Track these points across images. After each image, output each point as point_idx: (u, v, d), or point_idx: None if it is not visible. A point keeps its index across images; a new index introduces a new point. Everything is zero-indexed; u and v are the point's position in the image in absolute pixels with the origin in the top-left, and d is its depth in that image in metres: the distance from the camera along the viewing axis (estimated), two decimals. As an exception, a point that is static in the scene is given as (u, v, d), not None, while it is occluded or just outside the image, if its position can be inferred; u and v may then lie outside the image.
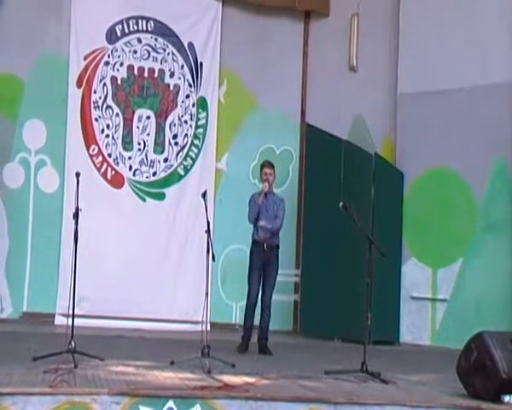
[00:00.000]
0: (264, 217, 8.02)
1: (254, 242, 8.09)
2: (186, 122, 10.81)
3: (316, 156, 10.38)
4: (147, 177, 10.59)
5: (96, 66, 10.52)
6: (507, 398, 5.51)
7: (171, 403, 4.97)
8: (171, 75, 10.78)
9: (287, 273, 10.84)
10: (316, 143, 10.41)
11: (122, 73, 10.62)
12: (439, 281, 9.94)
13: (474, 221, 9.74)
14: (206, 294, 6.68)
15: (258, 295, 7.99)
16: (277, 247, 8.13)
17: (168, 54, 10.77)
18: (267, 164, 8.22)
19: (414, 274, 10.10)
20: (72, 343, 6.25)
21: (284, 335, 10.28)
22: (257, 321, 8.11)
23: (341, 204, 6.79)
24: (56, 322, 9.67)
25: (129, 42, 10.64)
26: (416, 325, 10.04)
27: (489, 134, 9.64)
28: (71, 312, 6.45)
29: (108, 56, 10.56)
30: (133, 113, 10.64)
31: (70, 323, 6.36)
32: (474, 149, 9.69)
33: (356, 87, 10.86)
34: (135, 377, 5.72)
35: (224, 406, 5.04)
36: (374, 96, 10.76)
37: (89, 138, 10.43)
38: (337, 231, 9.65)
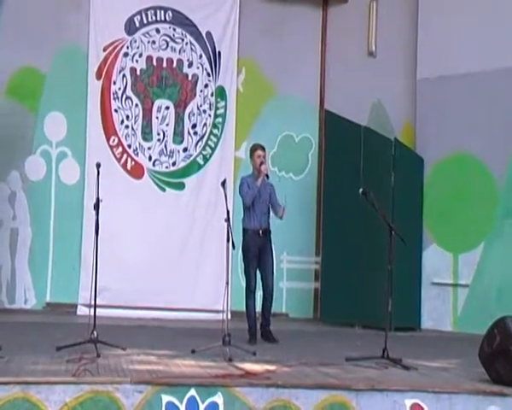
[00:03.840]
0: (258, 201, 7.94)
1: (248, 230, 7.94)
2: (205, 112, 10.82)
3: (335, 143, 10.35)
4: (166, 167, 10.63)
5: (116, 57, 10.56)
6: (529, 383, 5.49)
7: (192, 391, 5.01)
8: (190, 65, 10.80)
9: (307, 261, 10.89)
10: (335, 129, 10.37)
11: (141, 64, 10.65)
12: (461, 266, 9.90)
13: (495, 206, 9.68)
14: (227, 282, 6.70)
15: (256, 281, 7.90)
16: (270, 232, 8.05)
17: (186, 44, 10.78)
18: (259, 147, 8.09)
19: (435, 260, 10.07)
20: (95, 333, 6.31)
21: (304, 322, 10.31)
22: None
23: (361, 191, 6.78)
24: (79, 312, 9.76)
25: (147, 32, 10.66)
26: (438, 311, 10.01)
27: (510, 118, 9.55)
28: (93, 302, 6.51)
29: (127, 47, 10.60)
30: (152, 103, 10.67)
31: (92, 313, 6.42)
32: (495, 134, 9.62)
33: (375, 73, 10.80)
34: (157, 366, 5.77)
35: (246, 393, 5.07)
36: (393, 81, 10.70)
37: (108, 129, 10.48)
38: (357, 218, 9.64)
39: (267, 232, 8.02)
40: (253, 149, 8.14)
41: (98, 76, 10.49)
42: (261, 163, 7.94)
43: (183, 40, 10.77)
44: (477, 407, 5.32)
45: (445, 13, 10.12)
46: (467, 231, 9.82)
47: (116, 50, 10.56)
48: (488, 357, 5.76)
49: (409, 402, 5.23)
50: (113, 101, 10.52)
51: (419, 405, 5.24)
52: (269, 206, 8.09)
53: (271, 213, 8.14)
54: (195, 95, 10.80)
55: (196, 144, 10.74)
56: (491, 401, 5.34)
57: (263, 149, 8.11)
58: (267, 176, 8.00)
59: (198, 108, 10.80)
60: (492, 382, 5.66)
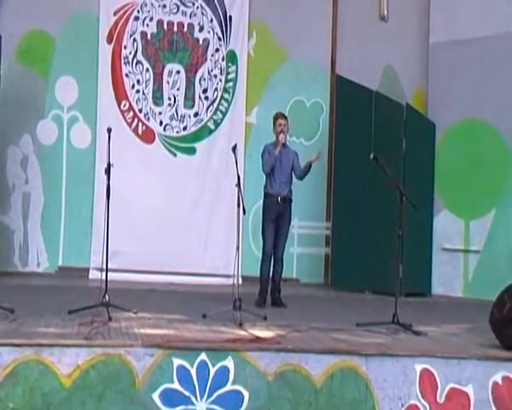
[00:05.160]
0: (279, 169, 7.96)
1: (268, 195, 8.02)
2: (216, 76, 10.77)
3: (346, 108, 10.29)
4: (177, 131, 10.62)
5: (126, 21, 10.51)
6: (539, 348, 5.51)
7: (203, 355, 5.05)
8: (201, 29, 10.73)
9: (317, 226, 10.89)
10: (346, 94, 10.31)
11: (152, 28, 10.59)
12: (472, 232, 9.89)
13: (506, 172, 9.64)
14: (238, 247, 6.72)
15: (272, 246, 7.96)
16: (290, 200, 8.08)
17: (197, 8, 10.70)
18: (281, 115, 8.13)
19: (446, 225, 10.06)
20: (106, 297, 6.35)
21: (315, 287, 10.34)
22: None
23: (372, 156, 6.74)
24: (90, 276, 9.82)
25: (158, -4, 10.61)
26: (448, 277, 10.03)
27: (522, 83, 9.49)
28: (104, 266, 6.55)
29: (138, 11, 10.54)
30: (163, 68, 10.63)
31: (104, 277, 6.46)
32: (508, 99, 9.54)
33: (386, 37, 10.73)
34: (168, 329, 5.80)
35: (256, 358, 5.10)
36: (405, 46, 10.64)
37: (119, 94, 10.47)
38: (368, 183, 9.62)
39: (287, 200, 8.02)
40: (275, 117, 8.16)
41: (109, 40, 10.45)
42: (280, 131, 7.95)
43: (193, 4, 10.69)
44: (486, 372, 5.34)
45: (458, -24, 10.02)
46: (478, 196, 9.80)
47: (127, 14, 10.51)
48: (498, 323, 5.77)
49: (418, 367, 5.26)
50: (123, 65, 10.50)
51: (429, 370, 5.26)
52: (290, 174, 8.08)
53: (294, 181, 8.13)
54: (206, 59, 10.75)
55: (207, 109, 10.71)
56: (501, 367, 5.36)
57: (284, 117, 8.12)
58: (283, 145, 7.99)
59: (209, 73, 10.75)
60: (503, 347, 5.67)
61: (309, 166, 7.95)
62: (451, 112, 10.00)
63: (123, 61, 10.48)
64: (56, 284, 9.13)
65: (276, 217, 7.96)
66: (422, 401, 5.23)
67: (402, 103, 9.99)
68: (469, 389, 5.29)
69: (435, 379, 5.27)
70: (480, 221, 9.81)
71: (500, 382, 5.33)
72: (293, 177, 8.11)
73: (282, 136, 7.93)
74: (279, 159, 7.95)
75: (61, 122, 10.38)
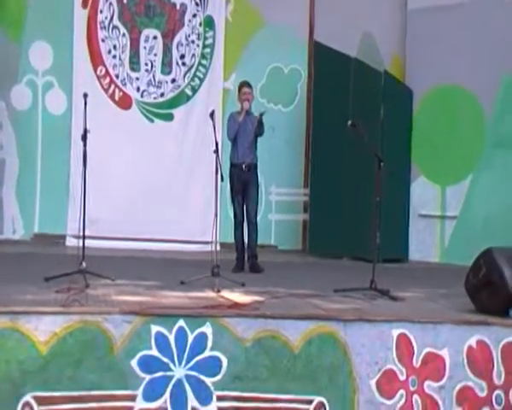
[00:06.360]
0: (242, 136, 8.07)
1: (233, 164, 8.13)
2: (193, 42, 10.68)
3: (324, 75, 10.26)
4: (154, 98, 10.54)
5: (101, -15, 10.36)
6: (514, 312, 5.58)
7: (181, 322, 5.04)
8: (178, -7, 10.61)
9: (295, 193, 10.90)
10: (324, 61, 10.27)
11: (127, -8, 10.46)
12: (448, 198, 9.95)
13: (483, 138, 9.68)
14: (215, 214, 6.72)
15: (243, 214, 8.10)
16: (255, 166, 8.18)
17: (174, -28, 10.58)
18: (245, 84, 8.29)
19: (423, 192, 10.11)
20: (84, 264, 6.32)
21: (293, 254, 10.37)
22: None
23: (350, 122, 6.73)
24: (67, 243, 9.78)
25: (134, -40, 10.45)
26: (425, 243, 10.09)
27: (500, 49, 9.48)
28: (81, 233, 6.51)
29: (113, -25, 10.40)
30: (140, 33, 10.52)
31: (81, 244, 6.42)
32: (484, 65, 9.56)
33: (365, 4, 10.64)
34: (146, 296, 5.79)
35: (234, 324, 5.10)
36: (383, 12, 10.59)
37: (95, 59, 10.36)
38: (346, 150, 9.62)
39: (252, 167, 8.11)
40: (240, 85, 8.35)
41: (84, 4, 10.32)
42: (244, 99, 8.12)
43: (170, -32, 10.57)
44: (462, 336, 5.39)
45: None
46: (455, 163, 9.84)
47: (102, -22, 10.36)
48: (474, 288, 5.83)
49: (395, 332, 5.29)
50: (99, 30, 10.37)
51: (405, 335, 5.30)
52: (254, 141, 8.18)
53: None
54: (183, 25, 10.64)
55: (185, 75, 10.63)
56: (476, 330, 5.41)
57: (249, 85, 8.26)
58: (247, 112, 8.10)
59: (186, 39, 10.65)
60: (478, 311, 5.73)
61: (259, 124, 8.02)
62: (429, 78, 10.00)
63: (99, 25, 10.35)
64: (32, 252, 9.07)
65: (243, 184, 8.07)
66: (399, 365, 5.27)
67: (380, 70, 9.97)
68: (445, 353, 5.34)
69: (411, 344, 5.31)
70: (457, 187, 9.86)
71: (474, 345, 5.39)
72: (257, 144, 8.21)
73: (246, 103, 8.11)
74: (243, 126, 8.07)
75: (35, 87, 10.25)
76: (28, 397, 4.78)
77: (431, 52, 9.98)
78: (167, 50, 10.59)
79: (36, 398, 4.78)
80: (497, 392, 5.40)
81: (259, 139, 8.23)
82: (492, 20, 9.54)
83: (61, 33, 10.21)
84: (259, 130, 8.10)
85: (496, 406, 5.39)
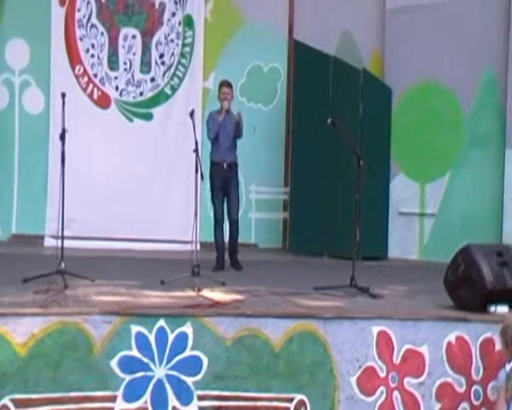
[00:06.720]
0: (223, 135, 8.09)
1: (213, 163, 8.15)
2: (172, 41, 10.64)
3: (304, 73, 10.27)
4: (134, 97, 10.49)
5: (79, -17, 10.30)
6: (492, 308, 5.61)
7: (162, 322, 5.02)
8: (157, -8, 10.57)
9: (275, 191, 10.91)
10: (304, 59, 10.28)
11: (106, -9, 10.41)
12: (427, 196, 9.99)
13: (461, 135, 9.74)
14: (196, 213, 6.71)
15: (223, 212, 8.15)
16: (236, 165, 8.23)
17: (153, -30, 10.54)
18: (225, 83, 8.31)
19: (402, 190, 10.14)
20: (62, 264, 6.28)
21: (273, 252, 10.38)
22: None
23: (329, 120, 6.76)
24: (46, 244, 9.69)
25: (113, -43, 10.40)
26: (404, 240, 10.13)
27: (477, 47, 9.55)
28: (60, 233, 6.46)
29: (92, -27, 10.34)
30: (118, 32, 10.47)
31: (59, 244, 6.38)
32: (463, 63, 9.62)
33: (344, 2, 10.66)
34: (125, 296, 5.77)
35: (215, 323, 5.10)
36: (362, 11, 10.59)
37: (74, 58, 10.30)
38: (326, 148, 9.65)
39: (232, 165, 8.14)
40: (220, 85, 8.37)
41: (61, 2, 10.23)
42: (224, 99, 8.14)
43: (149, -34, 10.52)
44: (441, 332, 5.42)
45: None
46: (433, 160, 9.89)
47: (80, -24, 10.29)
48: (452, 284, 5.86)
49: (375, 329, 5.31)
50: (77, 29, 10.31)
51: (385, 332, 5.33)
52: (234, 139, 8.20)
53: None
54: (163, 24, 10.61)
55: (164, 74, 10.59)
56: (455, 327, 5.45)
57: (229, 85, 8.28)
58: (227, 111, 8.12)
59: (165, 38, 10.62)
60: (456, 308, 5.77)
61: (237, 125, 8.04)
62: (408, 76, 10.03)
63: (77, 24, 10.28)
64: (10, 252, 8.97)
65: (223, 183, 8.11)
66: (379, 362, 5.29)
67: (359, 69, 10.00)
68: (424, 350, 5.38)
69: (392, 341, 5.34)
70: (435, 184, 9.91)
71: (454, 341, 5.43)
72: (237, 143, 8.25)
73: (225, 103, 8.14)
74: (223, 125, 8.09)
75: (12, 86, 10.16)
76: (6, 400, 4.73)
77: (410, 50, 10.02)
78: (146, 49, 10.56)
79: (14, 401, 4.75)
80: (475, 387, 5.45)
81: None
82: (470, 18, 9.60)
83: (38, 31, 10.11)
84: (238, 131, 8.12)
85: (474, 401, 5.44)
